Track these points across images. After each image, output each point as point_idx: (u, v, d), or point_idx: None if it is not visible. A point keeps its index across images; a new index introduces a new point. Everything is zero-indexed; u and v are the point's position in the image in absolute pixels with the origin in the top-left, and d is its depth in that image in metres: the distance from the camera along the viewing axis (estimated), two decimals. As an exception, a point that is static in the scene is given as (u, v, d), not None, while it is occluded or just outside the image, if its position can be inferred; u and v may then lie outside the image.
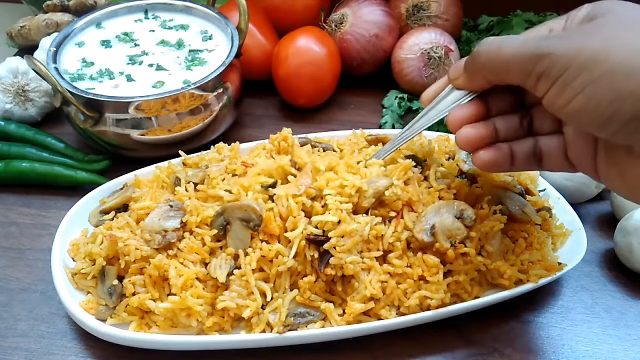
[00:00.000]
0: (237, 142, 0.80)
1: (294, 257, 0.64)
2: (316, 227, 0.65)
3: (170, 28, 0.97)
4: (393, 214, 0.67)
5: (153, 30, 0.97)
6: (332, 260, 0.63)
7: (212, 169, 0.74)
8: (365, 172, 0.69)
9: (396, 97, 1.02)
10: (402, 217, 0.67)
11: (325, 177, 0.68)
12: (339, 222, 0.65)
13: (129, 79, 0.88)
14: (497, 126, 0.59)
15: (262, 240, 0.66)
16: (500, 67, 0.53)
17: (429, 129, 0.73)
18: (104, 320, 0.65)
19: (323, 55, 0.98)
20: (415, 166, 0.71)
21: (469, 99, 0.60)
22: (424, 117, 0.65)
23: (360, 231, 0.64)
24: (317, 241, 0.64)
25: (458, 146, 0.60)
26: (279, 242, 0.65)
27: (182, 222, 0.67)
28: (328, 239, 0.64)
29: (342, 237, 0.64)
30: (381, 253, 0.65)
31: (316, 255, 0.64)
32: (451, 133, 0.64)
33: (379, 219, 0.66)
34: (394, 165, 0.70)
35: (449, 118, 0.60)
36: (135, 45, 0.94)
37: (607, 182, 0.56)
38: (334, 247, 0.64)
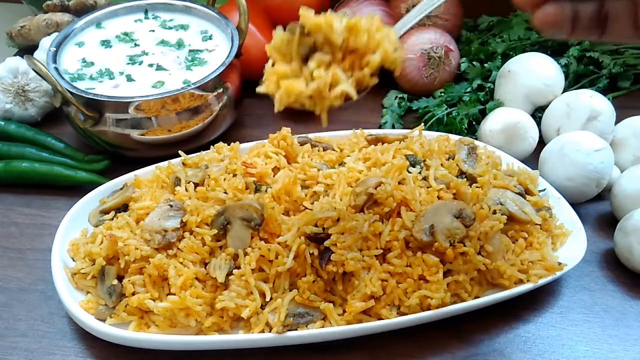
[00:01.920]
0: (237, 142, 0.80)
1: (294, 258, 0.64)
2: (316, 225, 0.65)
3: (170, 28, 0.97)
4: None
5: (153, 30, 0.97)
6: (333, 257, 0.63)
7: (212, 169, 0.74)
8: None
9: (396, 97, 1.02)
10: (398, 216, 0.67)
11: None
12: (338, 219, 0.65)
13: (129, 79, 0.88)
14: None
15: (261, 239, 0.66)
16: None
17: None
18: (103, 320, 0.65)
19: (323, 55, 0.97)
20: (414, 166, 0.71)
21: None
22: None
23: (359, 228, 0.64)
24: (317, 239, 0.64)
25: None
26: (278, 242, 0.65)
27: (182, 221, 0.67)
28: (328, 236, 0.64)
29: (342, 233, 0.64)
30: (381, 252, 0.65)
31: (316, 253, 0.64)
32: None
33: (377, 216, 0.67)
34: (389, 165, 0.71)
35: None
36: (135, 45, 0.94)
37: None
38: (335, 244, 0.64)
